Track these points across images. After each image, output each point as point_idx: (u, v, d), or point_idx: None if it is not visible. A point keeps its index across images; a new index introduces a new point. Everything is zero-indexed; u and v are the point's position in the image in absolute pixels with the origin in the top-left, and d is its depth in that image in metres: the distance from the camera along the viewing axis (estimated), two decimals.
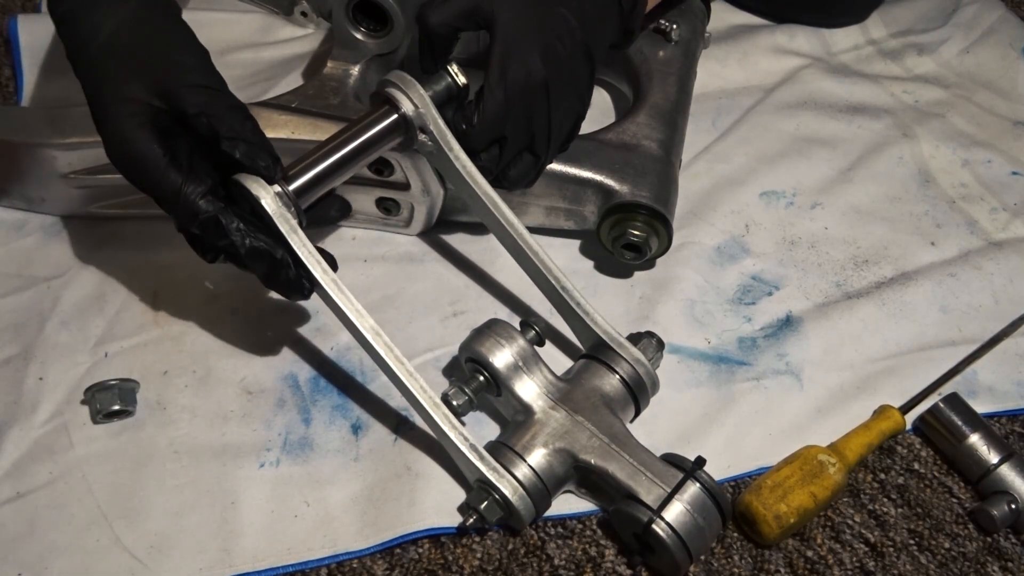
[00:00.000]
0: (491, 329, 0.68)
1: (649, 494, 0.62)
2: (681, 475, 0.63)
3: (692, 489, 0.62)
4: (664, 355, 0.76)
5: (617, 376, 0.68)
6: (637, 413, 0.71)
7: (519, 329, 0.69)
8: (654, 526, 0.61)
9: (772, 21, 1.05)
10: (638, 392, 0.69)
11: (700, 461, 0.63)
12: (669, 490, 0.62)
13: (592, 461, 0.64)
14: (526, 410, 0.67)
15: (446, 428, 0.64)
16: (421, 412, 0.65)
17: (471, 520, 0.64)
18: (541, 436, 0.65)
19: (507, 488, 0.63)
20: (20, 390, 0.72)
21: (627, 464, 0.64)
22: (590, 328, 0.70)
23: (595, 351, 0.70)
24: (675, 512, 0.62)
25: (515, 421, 0.68)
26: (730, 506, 0.65)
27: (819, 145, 0.93)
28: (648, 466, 0.64)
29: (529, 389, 0.67)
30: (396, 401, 0.73)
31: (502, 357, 0.67)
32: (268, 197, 0.61)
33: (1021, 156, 0.94)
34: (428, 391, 0.64)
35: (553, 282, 0.70)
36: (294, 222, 0.62)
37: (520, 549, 0.67)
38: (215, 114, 0.60)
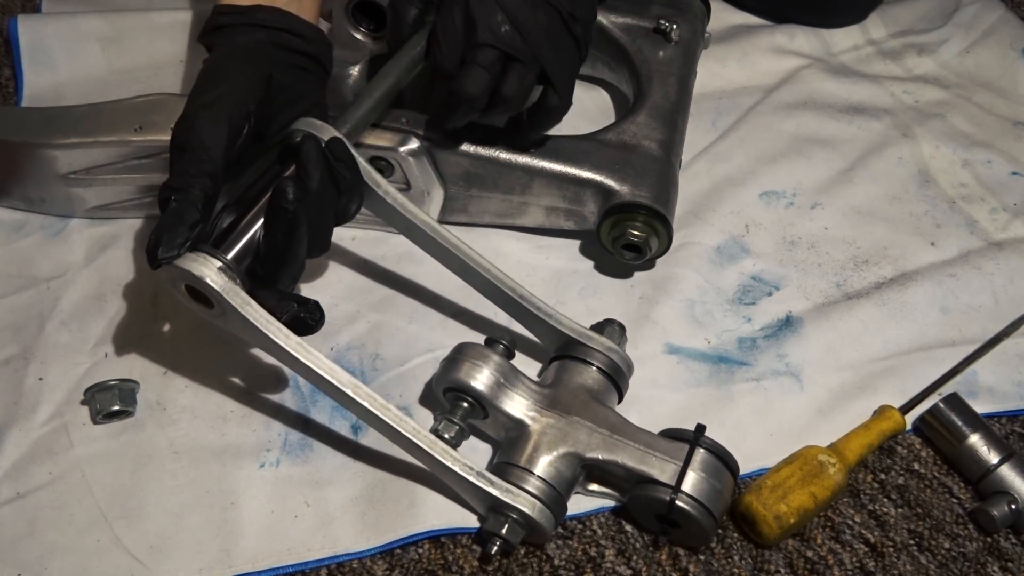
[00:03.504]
0: (462, 354, 0.68)
1: (663, 472, 0.63)
2: (687, 447, 0.64)
3: (700, 456, 0.64)
4: (664, 355, 0.76)
5: (594, 367, 0.69)
6: (620, 398, 0.71)
7: (488, 347, 0.69)
8: (678, 502, 0.62)
9: (772, 21, 1.05)
10: (617, 377, 0.70)
11: (701, 428, 0.65)
12: (681, 463, 0.63)
13: (600, 456, 0.64)
14: (518, 424, 0.66)
15: (448, 462, 0.63)
16: (415, 452, 0.64)
17: (495, 547, 0.63)
18: (542, 445, 0.65)
19: (525, 505, 0.62)
20: (20, 390, 0.72)
21: (633, 450, 0.64)
22: (556, 329, 0.71)
23: (565, 349, 0.71)
24: (692, 482, 0.63)
25: (508, 438, 0.68)
26: (736, 463, 0.66)
27: (819, 145, 0.93)
28: (654, 446, 0.65)
29: (516, 403, 0.67)
30: (395, 401, 0.73)
31: (482, 379, 0.66)
32: (213, 274, 0.59)
33: (1021, 156, 0.93)
34: (422, 431, 0.63)
35: (509, 292, 0.70)
36: (244, 294, 0.60)
37: (520, 549, 0.67)
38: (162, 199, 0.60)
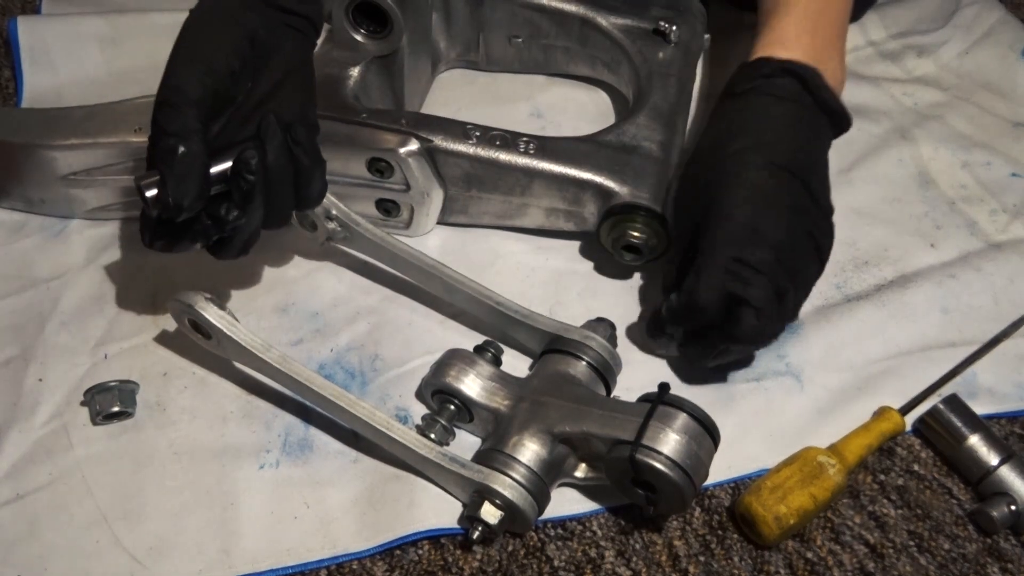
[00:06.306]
0: (451, 359, 0.69)
1: (625, 431, 0.62)
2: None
3: (662, 409, 0.62)
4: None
5: (581, 361, 0.69)
6: (608, 388, 0.71)
7: (476, 353, 0.70)
8: (638, 455, 0.60)
9: None
10: (604, 371, 0.70)
11: (664, 386, 0.64)
12: (642, 420, 0.62)
13: (567, 428, 0.64)
14: (497, 416, 0.68)
15: (424, 452, 0.64)
16: (396, 448, 0.66)
17: (477, 532, 0.64)
18: (514, 428, 0.66)
19: (501, 485, 0.63)
20: (20, 391, 0.72)
21: (599, 416, 0.64)
22: (541, 330, 0.72)
23: (549, 345, 0.71)
24: (654, 435, 0.61)
25: (488, 432, 0.69)
26: (710, 418, 0.63)
27: None
28: (620, 410, 0.64)
29: (499, 401, 0.68)
30: (395, 402, 0.73)
31: (469, 382, 0.68)
32: (210, 307, 0.66)
33: (1021, 157, 0.93)
34: (401, 427, 0.65)
35: (489, 303, 0.72)
36: (237, 323, 0.66)
37: (520, 551, 0.67)
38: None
